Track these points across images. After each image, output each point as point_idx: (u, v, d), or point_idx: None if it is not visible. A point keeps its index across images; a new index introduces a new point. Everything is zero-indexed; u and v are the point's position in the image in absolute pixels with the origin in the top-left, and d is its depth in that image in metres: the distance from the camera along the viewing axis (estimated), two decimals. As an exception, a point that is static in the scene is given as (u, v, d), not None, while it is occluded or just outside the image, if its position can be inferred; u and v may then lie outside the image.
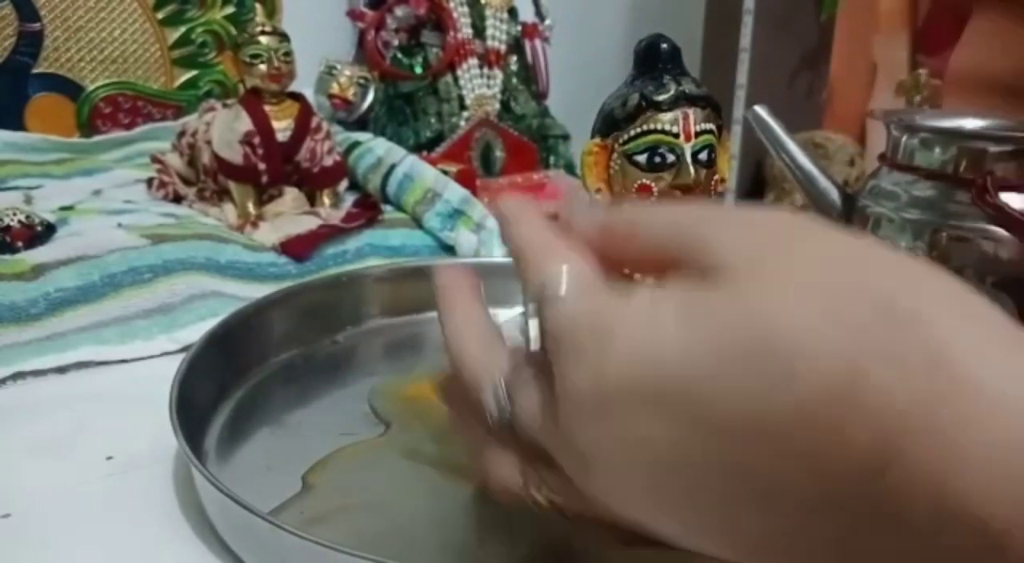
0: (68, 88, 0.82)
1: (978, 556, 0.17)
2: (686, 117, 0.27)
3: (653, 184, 0.27)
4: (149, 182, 0.68)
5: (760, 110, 0.52)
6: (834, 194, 0.49)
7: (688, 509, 0.20)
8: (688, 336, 0.19)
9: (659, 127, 0.27)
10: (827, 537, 0.19)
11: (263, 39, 0.60)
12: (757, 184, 1.45)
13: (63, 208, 0.60)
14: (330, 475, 0.34)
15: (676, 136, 0.27)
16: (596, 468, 0.21)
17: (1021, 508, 0.16)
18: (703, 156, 0.27)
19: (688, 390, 0.19)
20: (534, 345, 0.21)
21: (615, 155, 0.27)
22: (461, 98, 0.84)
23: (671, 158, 0.27)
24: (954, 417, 0.17)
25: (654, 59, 0.27)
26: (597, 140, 0.28)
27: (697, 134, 0.27)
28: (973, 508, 0.17)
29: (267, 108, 0.61)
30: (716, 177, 0.28)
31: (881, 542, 0.18)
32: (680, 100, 0.27)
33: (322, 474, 0.34)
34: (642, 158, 0.27)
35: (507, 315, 0.27)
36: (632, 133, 0.27)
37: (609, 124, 0.28)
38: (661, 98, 0.27)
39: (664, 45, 0.27)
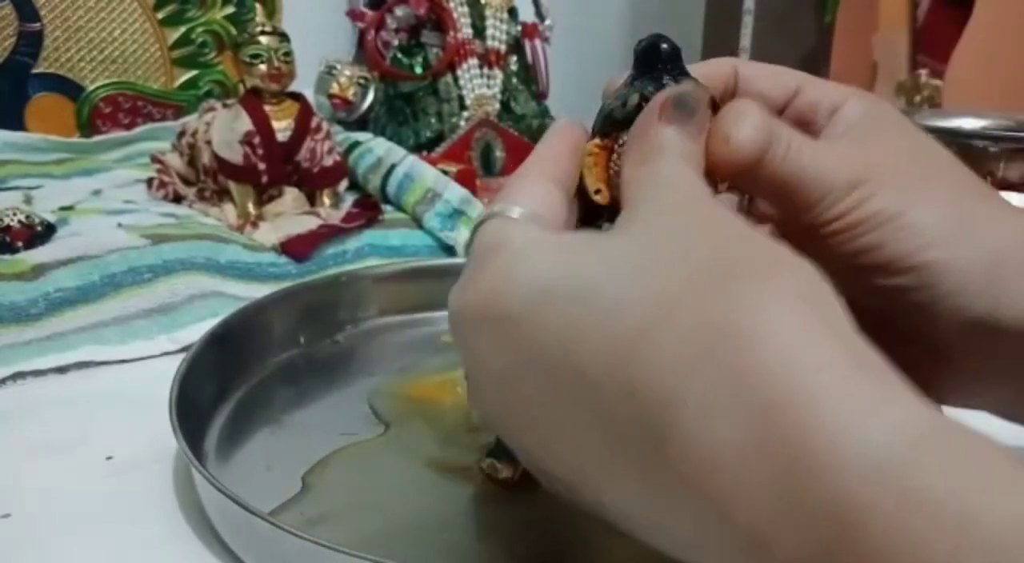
0: (68, 88, 0.82)
1: (746, 556, 0.16)
2: None
3: None
4: (149, 182, 0.67)
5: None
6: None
7: (524, 433, 0.21)
8: (540, 270, 0.21)
9: None
10: (630, 499, 0.19)
11: (263, 39, 0.60)
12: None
13: (63, 208, 0.60)
14: (330, 475, 0.34)
15: None
16: (468, 376, 0.23)
17: (784, 508, 0.15)
18: None
19: (521, 320, 0.20)
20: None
21: (615, 155, 0.27)
22: (461, 98, 0.84)
23: None
24: (727, 401, 0.16)
25: (654, 59, 0.27)
26: (597, 140, 0.28)
27: None
28: (734, 505, 0.16)
29: (267, 108, 0.61)
30: (716, 178, 0.27)
31: (676, 520, 0.17)
32: None
33: (322, 474, 0.34)
34: None
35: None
36: None
37: (609, 124, 0.27)
38: None
39: (664, 45, 0.27)
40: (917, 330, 0.25)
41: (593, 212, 0.28)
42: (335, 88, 0.83)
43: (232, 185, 0.61)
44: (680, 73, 0.27)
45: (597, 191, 0.27)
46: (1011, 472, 0.15)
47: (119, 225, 0.55)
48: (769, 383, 0.16)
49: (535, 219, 0.23)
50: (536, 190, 0.24)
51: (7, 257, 0.50)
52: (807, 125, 0.27)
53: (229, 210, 0.62)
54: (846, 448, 0.15)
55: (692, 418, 0.16)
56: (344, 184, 0.67)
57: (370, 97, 0.84)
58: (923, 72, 1.10)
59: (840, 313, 0.17)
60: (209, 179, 0.64)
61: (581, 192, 0.27)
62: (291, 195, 0.63)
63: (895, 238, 0.24)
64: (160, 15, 0.84)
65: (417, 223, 0.63)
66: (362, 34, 0.87)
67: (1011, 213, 0.25)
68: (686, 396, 0.17)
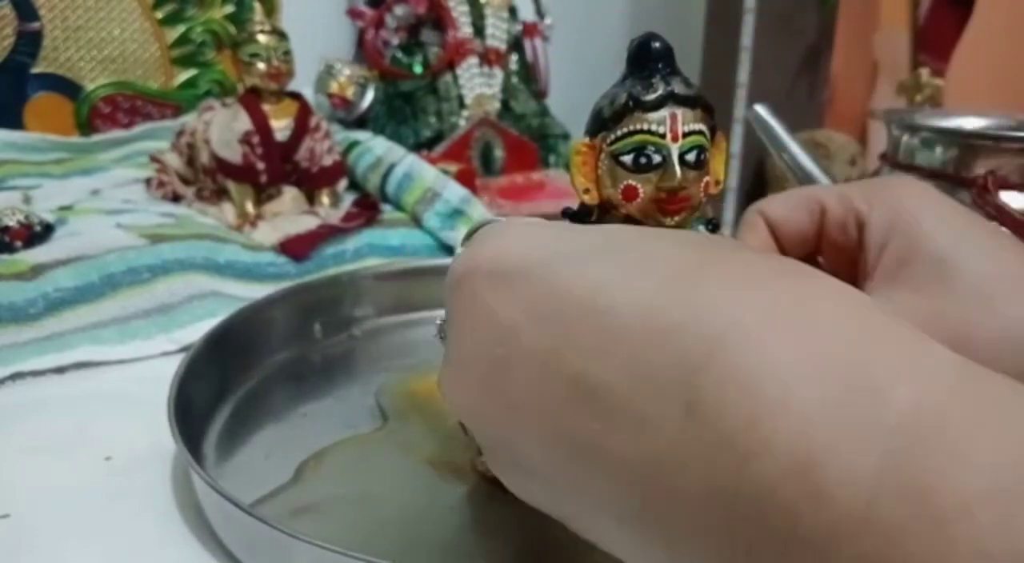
0: (67, 88, 0.82)
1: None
2: (674, 117, 0.26)
3: (639, 186, 0.26)
4: (148, 182, 0.67)
5: (761, 109, 0.51)
6: (834, 193, 0.49)
7: (510, 412, 0.20)
8: (556, 235, 0.21)
9: (646, 127, 0.26)
10: (636, 462, 0.17)
11: (262, 38, 0.60)
12: (758, 184, 1.45)
13: (62, 208, 0.60)
14: (322, 466, 0.34)
15: (663, 137, 0.26)
16: (451, 348, 0.23)
17: (837, 437, 0.15)
18: (691, 157, 0.26)
19: (539, 272, 0.20)
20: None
21: (603, 155, 0.27)
22: (461, 97, 0.84)
23: (657, 159, 0.26)
24: (783, 330, 0.16)
25: (645, 58, 0.27)
26: (585, 140, 0.28)
27: (685, 135, 0.26)
28: (779, 438, 0.15)
29: (266, 107, 0.60)
30: (707, 179, 0.27)
31: (697, 512, 0.17)
32: (668, 100, 0.26)
33: (316, 465, 0.34)
34: (628, 159, 0.26)
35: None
36: (619, 133, 0.26)
37: (597, 123, 0.27)
38: (648, 98, 0.26)
39: (656, 44, 0.27)
40: None
41: (584, 212, 0.28)
42: (334, 87, 0.83)
43: (231, 185, 0.61)
44: (670, 72, 0.26)
45: (586, 190, 0.27)
46: None
47: (118, 225, 0.55)
48: (831, 337, 0.16)
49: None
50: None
51: (6, 257, 0.50)
52: (847, 246, 0.31)
53: (228, 210, 0.61)
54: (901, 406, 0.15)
55: (744, 339, 0.16)
56: (343, 184, 0.67)
57: (369, 96, 0.84)
58: (924, 71, 1.10)
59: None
60: (208, 179, 0.64)
61: None
62: (290, 195, 0.63)
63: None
64: (159, 14, 0.84)
65: (417, 223, 0.63)
66: (361, 33, 0.87)
67: None
68: (738, 322, 0.16)
